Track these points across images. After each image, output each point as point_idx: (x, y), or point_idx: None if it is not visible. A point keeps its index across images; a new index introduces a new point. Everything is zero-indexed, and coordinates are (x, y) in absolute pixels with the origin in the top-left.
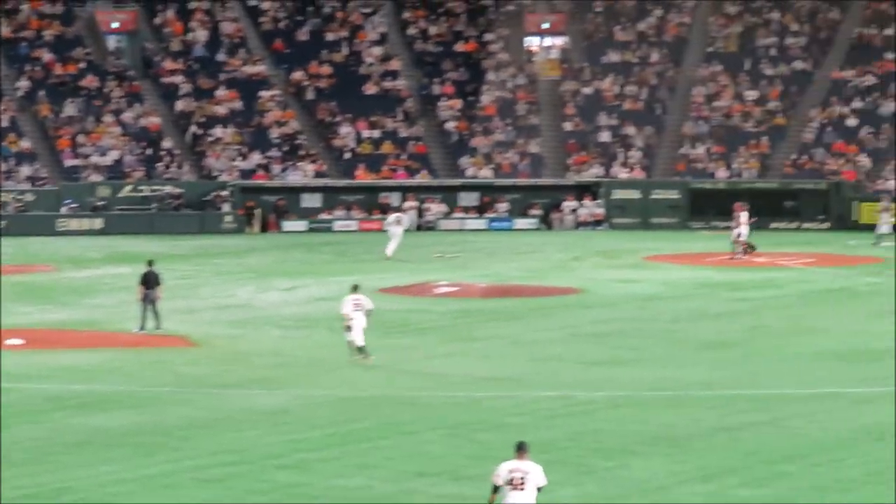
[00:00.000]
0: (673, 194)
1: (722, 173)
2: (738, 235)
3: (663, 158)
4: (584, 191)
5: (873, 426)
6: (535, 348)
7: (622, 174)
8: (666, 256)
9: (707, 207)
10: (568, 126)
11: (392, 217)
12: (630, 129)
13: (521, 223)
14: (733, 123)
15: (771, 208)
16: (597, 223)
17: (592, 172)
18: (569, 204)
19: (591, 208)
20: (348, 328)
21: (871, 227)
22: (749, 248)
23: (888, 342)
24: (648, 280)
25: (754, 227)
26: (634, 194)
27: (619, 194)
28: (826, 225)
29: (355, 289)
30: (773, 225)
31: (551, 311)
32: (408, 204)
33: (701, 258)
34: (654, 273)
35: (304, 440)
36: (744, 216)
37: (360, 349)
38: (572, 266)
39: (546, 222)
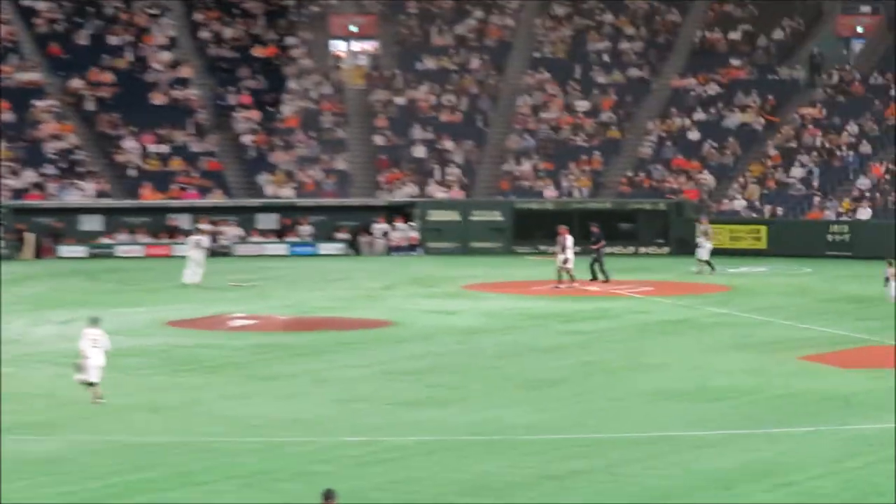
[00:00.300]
0: (495, 216)
1: (550, 192)
2: (565, 262)
3: (485, 176)
4: (396, 212)
5: (716, 473)
6: (342, 387)
7: (439, 193)
8: (488, 285)
9: (533, 230)
10: (378, 140)
11: (192, 240)
12: (448, 144)
13: (326, 248)
14: (562, 137)
15: (605, 231)
16: (411, 248)
17: (406, 192)
18: (379, 226)
19: (404, 231)
20: (80, 366)
21: (714, 252)
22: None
23: (732, 379)
24: (468, 311)
25: (592, 251)
26: (453, 216)
27: (435, 216)
28: (666, 250)
29: (94, 322)
30: (607, 249)
31: (360, 346)
32: (201, 227)
33: (527, 286)
34: (474, 303)
35: (82, 492)
36: (569, 240)
37: (91, 384)
38: (383, 295)
39: (354, 247)
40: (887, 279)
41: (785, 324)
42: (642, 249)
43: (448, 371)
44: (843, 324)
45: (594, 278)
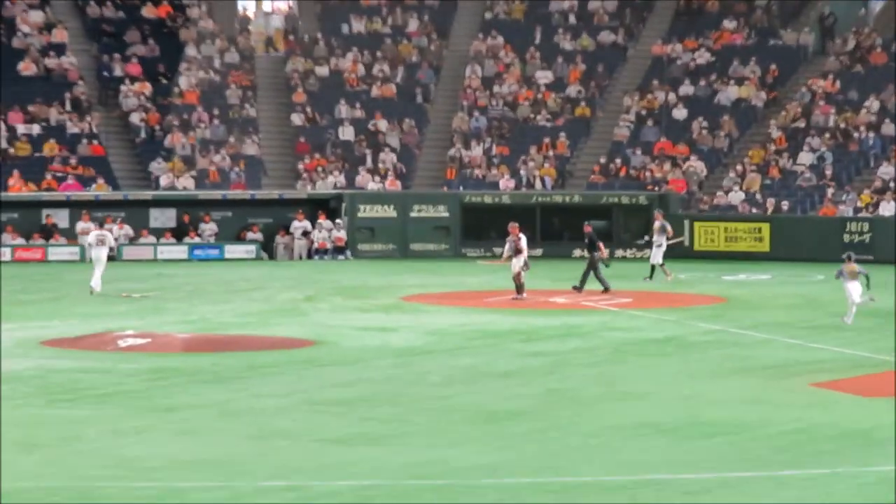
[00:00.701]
0: (440, 212)
1: (506, 183)
2: (524, 266)
3: (427, 163)
4: (319, 207)
5: None
6: (255, 421)
7: (371, 185)
8: (432, 296)
9: (486, 229)
10: (296, 119)
11: (92, 236)
12: (381, 124)
13: (234, 251)
14: (520, 115)
15: (572, 229)
16: (337, 251)
17: (331, 182)
18: (299, 225)
19: (329, 231)
20: None
21: (707, 255)
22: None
23: (729, 411)
24: (408, 328)
25: (588, 257)
26: (388, 212)
27: (367, 212)
28: (647, 253)
29: None
30: (577, 252)
31: (278, 371)
32: (82, 225)
33: (479, 298)
34: (416, 318)
35: None
36: (523, 241)
37: None
38: (305, 309)
39: (268, 250)
40: (840, 274)
41: (792, 343)
42: (619, 252)
43: (385, 401)
44: (862, 343)
45: (606, 289)
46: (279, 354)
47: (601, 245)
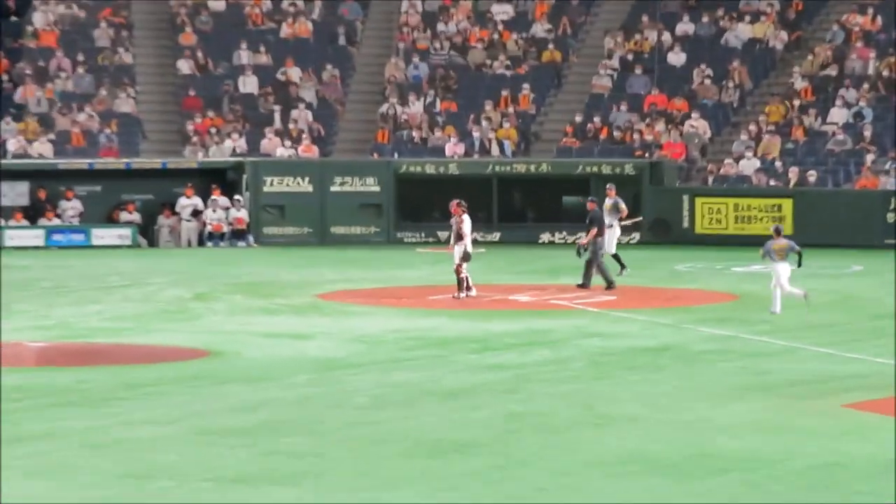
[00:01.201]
0: (369, 185)
1: (454, 148)
2: (462, 258)
3: (351, 124)
4: (213, 179)
5: None
6: (131, 455)
7: (280, 150)
8: (358, 293)
9: (427, 207)
10: (184, 67)
11: None
12: (292, 73)
13: (103, 235)
14: (472, 61)
15: (538, 207)
16: (237, 235)
17: (229, 147)
18: (187, 202)
19: (226, 210)
20: None
21: (712, 240)
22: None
23: (741, 441)
24: (329, 334)
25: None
26: (302, 185)
27: (275, 185)
28: (635, 237)
29: None
30: (542, 236)
31: (160, 390)
32: None
33: (419, 295)
34: (337, 322)
35: None
36: (466, 223)
37: None
38: (195, 310)
39: (148, 234)
40: (767, 253)
41: (821, 353)
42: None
43: (297, 429)
44: None
45: (609, 285)
46: (162, 369)
47: (593, 230)
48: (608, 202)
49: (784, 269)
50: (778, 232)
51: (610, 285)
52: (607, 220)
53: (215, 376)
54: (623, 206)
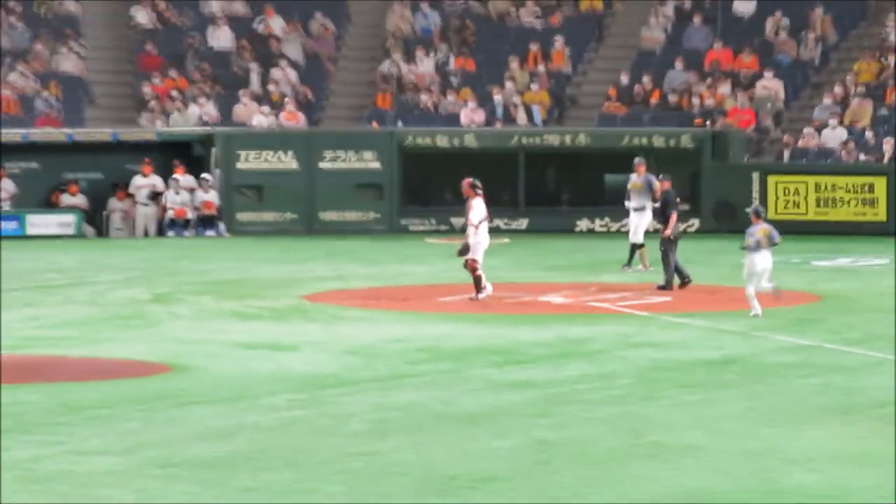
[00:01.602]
0: (367, 162)
1: (472, 115)
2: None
3: (346, 85)
4: (177, 154)
5: None
6: (77, 491)
7: (257, 118)
8: (354, 294)
9: (438, 188)
10: (141, 17)
11: None
12: (274, 23)
13: (41, 223)
14: (493, 10)
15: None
16: (205, 222)
17: (195, 115)
18: (145, 182)
19: (192, 192)
20: None
21: (789, 228)
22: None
23: (826, 475)
24: (317, 344)
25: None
26: (285, 161)
27: (250, 162)
28: (693, 224)
29: None
30: (580, 224)
31: (111, 412)
32: None
33: (428, 296)
34: (329, 329)
35: None
36: (476, 208)
37: None
38: (153, 315)
39: (95, 221)
40: (754, 243)
41: None
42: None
43: (280, 461)
44: None
45: (684, 281)
46: (114, 387)
47: (673, 215)
48: (636, 179)
49: (764, 260)
50: (758, 215)
51: (667, 285)
52: (635, 203)
53: (179, 396)
54: (657, 184)
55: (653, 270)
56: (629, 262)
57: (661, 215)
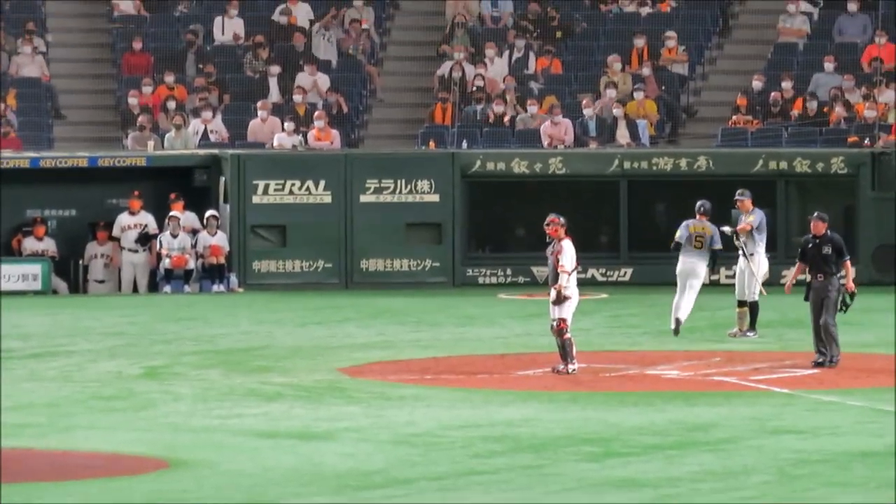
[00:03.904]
0: (421, 191)
1: (556, 132)
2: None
3: (390, 93)
4: (174, 183)
5: None
6: None
7: (280, 137)
8: (406, 365)
9: (512, 226)
10: (125, 4)
11: None
12: (299, 9)
13: None
14: None
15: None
16: (212, 273)
17: (196, 132)
18: (132, 220)
19: (194, 234)
20: None
21: None
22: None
23: None
24: (360, 431)
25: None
26: (315, 193)
27: (272, 193)
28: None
29: None
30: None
31: None
32: None
33: (502, 368)
34: (375, 412)
35: None
36: (567, 251)
37: None
38: (145, 394)
39: (68, 272)
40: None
41: None
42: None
43: None
44: None
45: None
46: (93, 489)
47: (848, 265)
48: (746, 219)
49: (696, 270)
50: (703, 211)
51: (821, 356)
52: (746, 245)
53: (178, 500)
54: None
55: (755, 337)
56: (752, 325)
57: (829, 264)
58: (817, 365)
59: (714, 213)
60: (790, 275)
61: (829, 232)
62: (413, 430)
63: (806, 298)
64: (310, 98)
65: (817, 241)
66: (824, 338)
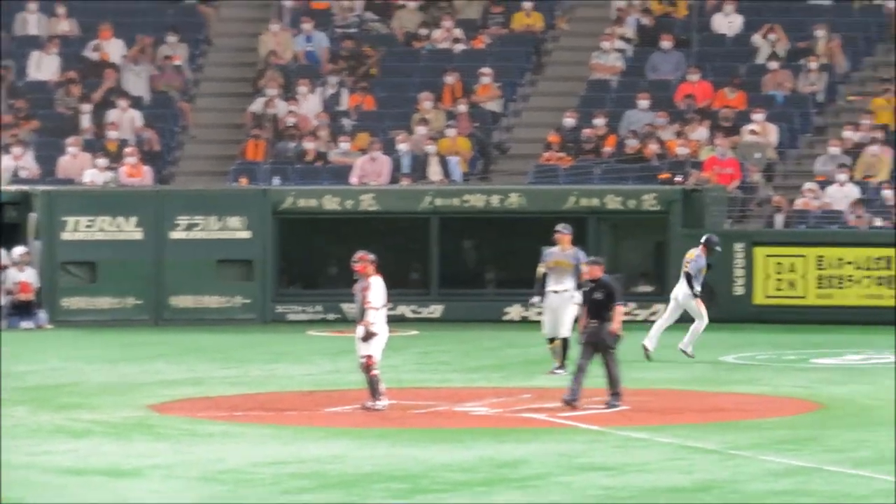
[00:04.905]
0: (232, 228)
1: (370, 168)
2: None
3: (203, 130)
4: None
5: None
6: None
7: (91, 172)
8: (216, 402)
9: (324, 264)
10: None
11: None
12: (110, 45)
13: None
14: (400, 26)
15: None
16: (20, 310)
17: (7, 168)
18: None
19: (2, 270)
20: None
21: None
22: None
23: None
24: (168, 467)
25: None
26: (126, 229)
27: (82, 229)
28: (659, 310)
29: None
30: (509, 311)
31: None
32: None
33: (311, 405)
34: (183, 448)
35: None
36: (374, 289)
37: None
38: None
39: None
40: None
41: None
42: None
43: None
44: None
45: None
46: None
47: (618, 309)
48: (557, 254)
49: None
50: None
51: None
52: (556, 285)
53: None
54: (585, 268)
55: (564, 374)
56: (562, 363)
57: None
58: (609, 406)
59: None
60: (580, 319)
61: (603, 277)
62: (222, 467)
63: (580, 341)
64: (121, 133)
65: (592, 285)
66: (609, 379)
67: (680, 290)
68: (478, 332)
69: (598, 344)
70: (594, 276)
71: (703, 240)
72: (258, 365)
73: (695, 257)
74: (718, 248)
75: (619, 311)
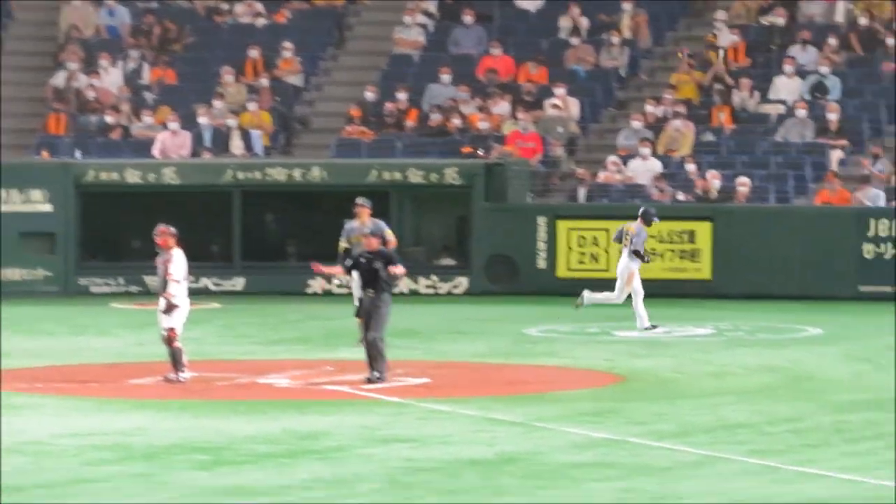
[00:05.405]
0: (34, 201)
1: (172, 142)
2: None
3: (8, 102)
4: None
5: None
6: None
7: None
8: (16, 374)
9: (127, 237)
10: None
11: None
12: None
13: None
14: (198, 3)
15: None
16: None
17: None
18: None
19: None
20: None
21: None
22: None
23: None
24: None
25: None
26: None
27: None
28: (461, 284)
29: None
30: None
31: None
32: None
33: (115, 377)
34: None
35: None
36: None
37: None
38: None
39: None
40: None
41: (755, 465)
42: (406, 285)
43: None
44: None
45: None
46: None
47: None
48: (359, 228)
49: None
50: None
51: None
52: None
53: None
54: (390, 235)
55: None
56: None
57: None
58: (369, 382)
59: (330, 223)
60: (329, 268)
61: (382, 248)
62: (24, 439)
63: (357, 314)
64: None
65: (370, 256)
66: (373, 354)
67: (621, 264)
68: (280, 305)
69: (375, 315)
70: (371, 247)
71: (640, 212)
72: (61, 337)
73: (636, 231)
74: (656, 219)
75: (400, 269)
